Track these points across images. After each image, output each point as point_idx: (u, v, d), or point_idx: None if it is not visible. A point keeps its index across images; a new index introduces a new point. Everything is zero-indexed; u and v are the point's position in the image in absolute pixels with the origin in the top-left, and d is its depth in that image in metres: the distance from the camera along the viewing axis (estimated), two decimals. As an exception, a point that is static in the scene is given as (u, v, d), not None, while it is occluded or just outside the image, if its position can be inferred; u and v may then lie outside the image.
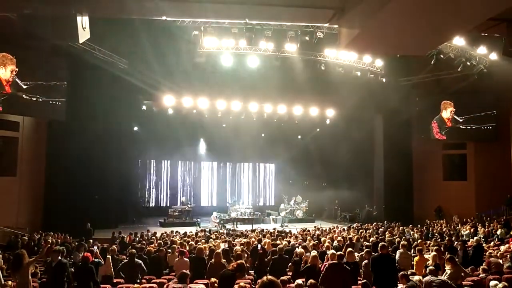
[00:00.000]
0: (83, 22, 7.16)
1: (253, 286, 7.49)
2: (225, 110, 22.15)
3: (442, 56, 16.63)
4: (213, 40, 16.05)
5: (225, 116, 22.84)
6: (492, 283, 7.06)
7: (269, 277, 3.54)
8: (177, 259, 8.93)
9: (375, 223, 18.60)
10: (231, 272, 6.04)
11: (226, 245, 10.99)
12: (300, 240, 12.55)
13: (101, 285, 7.60)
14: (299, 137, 26.95)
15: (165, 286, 7.39)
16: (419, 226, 17.42)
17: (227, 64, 17.36)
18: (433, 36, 5.23)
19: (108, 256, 8.81)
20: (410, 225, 16.88)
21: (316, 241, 11.53)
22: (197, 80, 19.45)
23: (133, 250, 8.71)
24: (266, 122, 24.30)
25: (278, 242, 11.20)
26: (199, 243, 11.03)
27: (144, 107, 22.25)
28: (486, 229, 14.90)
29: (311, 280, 6.47)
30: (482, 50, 16.46)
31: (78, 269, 7.46)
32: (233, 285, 5.98)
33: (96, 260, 8.04)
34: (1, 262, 8.73)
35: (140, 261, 8.24)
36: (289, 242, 11.51)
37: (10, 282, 7.40)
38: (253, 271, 9.02)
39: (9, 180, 16.94)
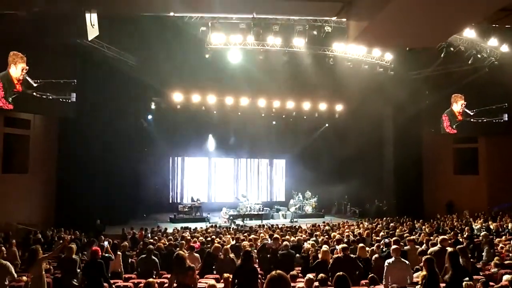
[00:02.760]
0: (91, 19, 7.19)
1: (263, 280, 7.49)
2: (233, 106, 22.22)
3: (452, 48, 16.43)
4: (220, 36, 16.05)
5: (233, 112, 22.89)
6: (505, 277, 6.99)
7: (278, 271, 3.55)
8: (187, 254, 8.95)
9: (385, 218, 18.50)
10: (247, 266, 6.05)
11: (235, 241, 11.01)
12: (307, 236, 12.54)
13: (111, 281, 7.65)
14: (307, 132, 26.84)
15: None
16: (431, 220, 17.29)
17: (235, 60, 17.35)
18: (442, 28, 5.16)
19: (118, 252, 8.89)
20: (421, 220, 16.78)
21: (326, 237, 11.52)
22: (205, 77, 19.49)
23: (151, 247, 8.76)
24: (274, 117, 24.32)
25: (287, 237, 11.20)
26: (215, 242, 11.02)
27: (153, 104, 22.36)
28: (498, 223, 14.74)
29: (322, 275, 6.48)
30: (493, 42, 16.22)
31: (88, 265, 7.52)
32: (257, 280, 6.02)
33: (106, 255, 8.11)
34: (16, 252, 8.83)
35: (156, 259, 8.28)
36: (300, 238, 11.44)
37: (24, 278, 7.53)
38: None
39: (21, 177, 17.14)
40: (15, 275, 6.85)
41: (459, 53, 16.85)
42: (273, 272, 3.46)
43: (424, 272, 6.02)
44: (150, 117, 23.35)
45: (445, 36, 8.93)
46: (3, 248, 7.20)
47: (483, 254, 9.20)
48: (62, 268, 7.78)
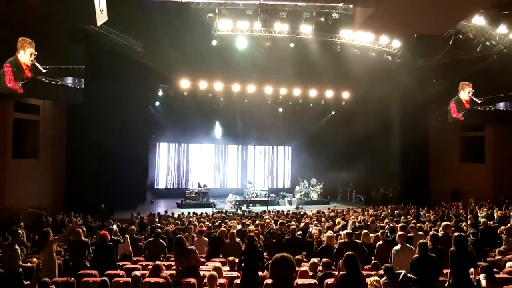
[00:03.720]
0: (100, 5, 7.26)
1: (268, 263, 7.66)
2: (240, 93, 22.28)
3: (460, 36, 16.28)
4: (227, 22, 16.03)
5: (240, 99, 22.97)
6: (508, 263, 7.08)
7: (282, 253, 3.67)
8: (196, 238, 9.22)
9: (390, 206, 18.58)
10: (252, 250, 6.22)
11: (241, 226, 11.20)
12: (315, 222, 12.67)
13: (121, 263, 7.86)
14: (313, 119, 26.83)
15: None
16: (436, 208, 17.34)
17: (242, 46, 17.34)
18: (450, 14, 5.15)
19: (126, 235, 9.09)
20: (426, 207, 16.85)
21: (331, 223, 11.65)
22: (212, 63, 19.51)
23: (159, 230, 8.94)
24: (281, 104, 24.37)
25: (292, 223, 11.33)
26: (222, 227, 11.21)
27: (160, 91, 22.47)
28: (504, 211, 14.73)
29: (327, 259, 6.63)
30: (502, 29, 16.04)
31: (97, 247, 7.72)
32: (262, 262, 6.20)
33: (115, 238, 8.32)
34: (24, 235, 9.03)
35: (164, 242, 8.46)
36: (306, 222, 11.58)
37: (35, 259, 7.76)
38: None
39: (31, 162, 17.39)
40: (20, 261, 7.06)
41: (468, 40, 16.70)
42: (278, 254, 3.59)
43: (416, 255, 6.14)
44: (157, 103, 23.48)
45: (453, 22, 8.88)
46: (20, 231, 7.44)
47: (502, 242, 9.20)
48: (72, 250, 8.00)
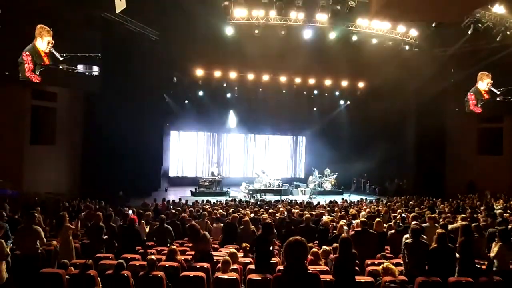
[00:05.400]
0: (117, -7, 7.32)
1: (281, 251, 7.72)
2: (254, 82, 22.27)
3: (480, 25, 15.96)
4: (242, 10, 16.00)
5: (254, 88, 22.95)
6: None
7: (296, 237, 3.75)
8: (215, 225, 9.35)
9: (404, 197, 18.47)
10: (268, 235, 6.33)
11: (254, 214, 11.29)
12: (326, 211, 12.70)
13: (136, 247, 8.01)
14: (327, 109, 26.66)
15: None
16: (450, 200, 17.17)
17: (257, 35, 17.26)
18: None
19: (142, 221, 9.23)
20: (440, 199, 16.70)
21: (344, 213, 11.66)
22: (227, 52, 19.50)
23: (163, 216, 9.04)
24: (295, 94, 24.29)
25: (305, 212, 11.38)
26: (230, 211, 11.35)
27: (175, 79, 22.58)
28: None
29: (335, 244, 6.66)
30: (524, 18, 15.68)
31: (124, 230, 7.89)
32: (270, 247, 6.32)
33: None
34: (41, 219, 9.26)
35: (169, 227, 8.52)
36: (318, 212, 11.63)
37: (54, 242, 7.96)
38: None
39: (48, 148, 17.74)
40: (45, 240, 7.25)
41: (487, 29, 16.37)
42: (291, 238, 3.66)
43: (434, 244, 6.15)
44: (172, 91, 23.60)
45: (472, 9, 8.72)
46: (36, 214, 7.65)
47: None
48: (90, 234, 8.20)
